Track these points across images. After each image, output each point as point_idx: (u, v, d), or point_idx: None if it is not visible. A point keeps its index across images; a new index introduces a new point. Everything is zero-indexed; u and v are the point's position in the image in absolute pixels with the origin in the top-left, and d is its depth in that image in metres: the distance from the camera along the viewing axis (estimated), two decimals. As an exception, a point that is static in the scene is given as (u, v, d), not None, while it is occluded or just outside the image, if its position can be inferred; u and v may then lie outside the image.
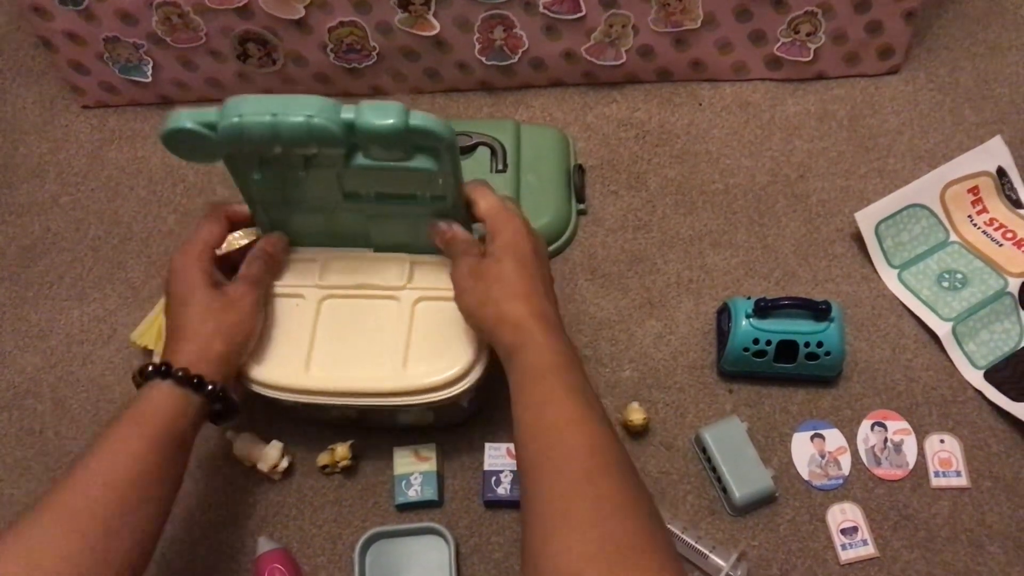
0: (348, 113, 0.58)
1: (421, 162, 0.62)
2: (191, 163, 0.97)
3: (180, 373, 0.63)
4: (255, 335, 0.70)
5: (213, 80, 0.98)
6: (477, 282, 0.65)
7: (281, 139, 0.58)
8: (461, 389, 0.69)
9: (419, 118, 0.59)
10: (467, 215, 0.69)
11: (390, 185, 0.67)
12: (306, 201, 0.69)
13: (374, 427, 0.80)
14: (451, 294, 0.69)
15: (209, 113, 0.59)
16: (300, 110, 0.57)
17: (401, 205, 0.68)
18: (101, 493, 0.58)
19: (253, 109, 0.58)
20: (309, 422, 0.81)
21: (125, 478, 0.60)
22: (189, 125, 0.59)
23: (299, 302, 0.73)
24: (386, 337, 0.71)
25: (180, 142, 0.60)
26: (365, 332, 0.71)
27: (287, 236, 0.74)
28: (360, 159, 0.62)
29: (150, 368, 0.64)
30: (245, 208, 0.72)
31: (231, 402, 0.68)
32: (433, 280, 0.72)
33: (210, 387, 0.64)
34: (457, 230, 0.69)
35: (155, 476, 0.61)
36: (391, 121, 0.58)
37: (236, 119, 0.58)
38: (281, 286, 0.74)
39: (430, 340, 0.71)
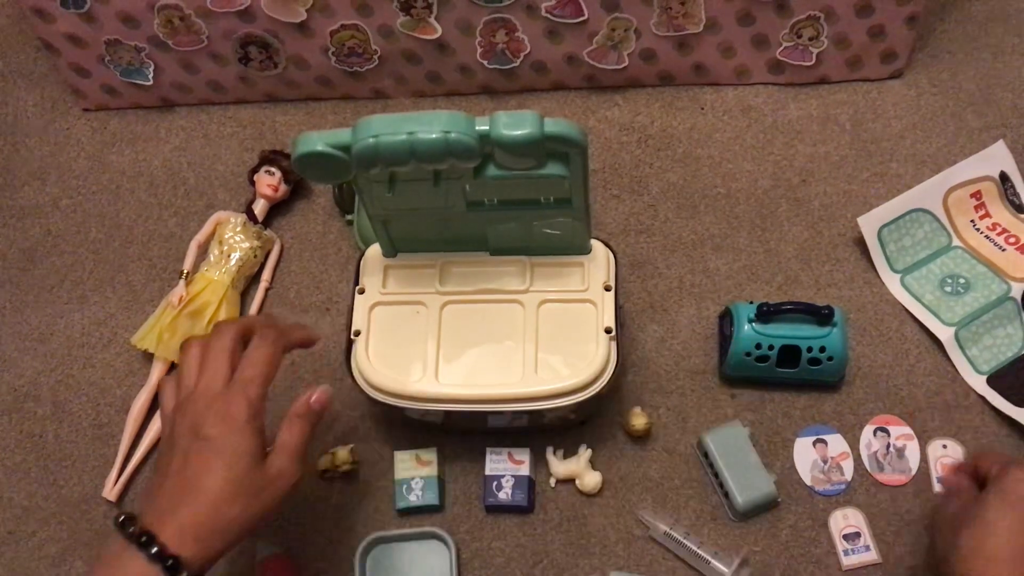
0: (483, 125, 0.57)
1: (552, 169, 0.61)
2: (192, 166, 0.97)
3: (155, 549, 0.54)
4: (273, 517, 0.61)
5: (215, 83, 0.98)
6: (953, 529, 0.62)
7: (417, 156, 0.57)
8: (595, 391, 0.69)
9: (554, 125, 0.57)
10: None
11: (516, 192, 0.66)
12: (429, 212, 0.68)
13: (464, 431, 0.79)
14: (573, 296, 0.69)
15: (341, 134, 0.58)
16: (436, 126, 0.56)
17: (523, 210, 0.68)
18: None
19: (387, 128, 0.56)
20: (410, 425, 0.79)
21: None
22: (321, 148, 0.58)
23: (420, 309, 0.72)
24: (514, 341, 0.70)
25: (312, 165, 0.59)
26: (491, 337, 0.71)
27: (404, 243, 0.72)
28: (491, 170, 0.61)
29: (123, 519, 0.56)
30: (303, 335, 0.68)
31: None
32: (554, 282, 0.72)
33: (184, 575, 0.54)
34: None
35: None
36: (527, 131, 0.56)
37: (371, 140, 0.56)
38: (402, 294, 0.73)
39: (558, 343, 0.70)
